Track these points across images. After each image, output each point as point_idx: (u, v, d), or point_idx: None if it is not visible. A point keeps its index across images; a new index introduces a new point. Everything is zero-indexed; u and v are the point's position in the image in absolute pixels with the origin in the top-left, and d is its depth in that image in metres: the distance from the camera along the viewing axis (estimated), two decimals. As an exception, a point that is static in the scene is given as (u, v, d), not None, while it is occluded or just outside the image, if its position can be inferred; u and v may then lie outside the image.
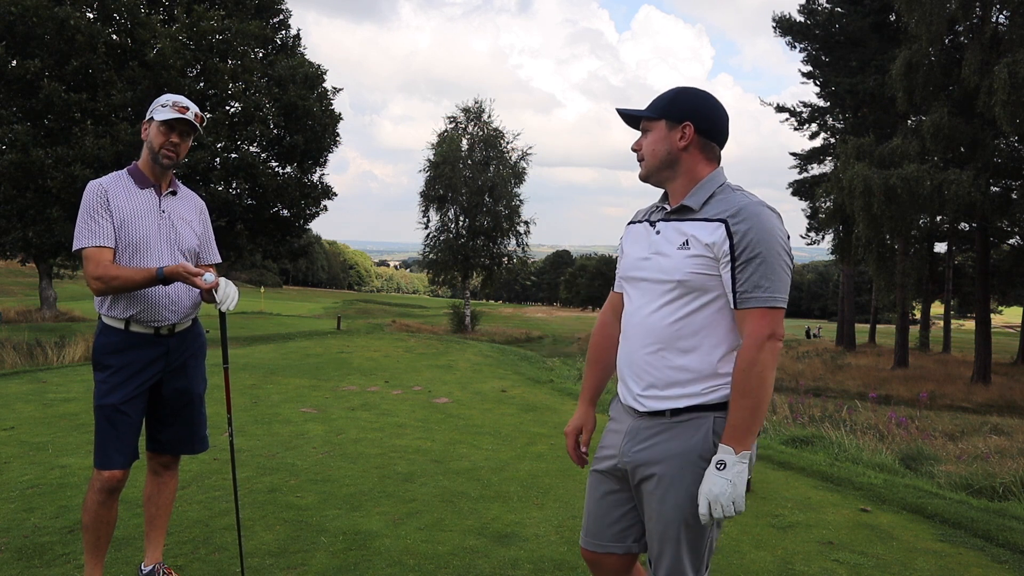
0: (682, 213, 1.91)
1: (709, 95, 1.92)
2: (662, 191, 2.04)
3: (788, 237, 1.85)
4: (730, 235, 1.79)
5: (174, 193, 2.87)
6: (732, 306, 1.83)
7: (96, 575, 2.79)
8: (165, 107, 2.73)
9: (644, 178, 2.00)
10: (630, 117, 2.02)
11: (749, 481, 4.76)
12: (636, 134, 2.04)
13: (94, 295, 2.70)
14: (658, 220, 1.97)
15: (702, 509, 1.78)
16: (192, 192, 3.01)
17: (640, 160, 1.99)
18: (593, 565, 2.13)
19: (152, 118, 2.74)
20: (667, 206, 1.98)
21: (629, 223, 2.13)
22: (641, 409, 1.93)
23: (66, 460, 4.85)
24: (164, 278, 2.61)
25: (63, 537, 3.49)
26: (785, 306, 1.81)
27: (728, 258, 1.79)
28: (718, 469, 1.76)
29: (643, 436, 1.93)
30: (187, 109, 2.74)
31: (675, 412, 1.87)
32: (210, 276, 2.65)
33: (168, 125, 2.72)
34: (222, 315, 2.82)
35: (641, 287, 1.96)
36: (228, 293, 2.71)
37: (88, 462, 4.70)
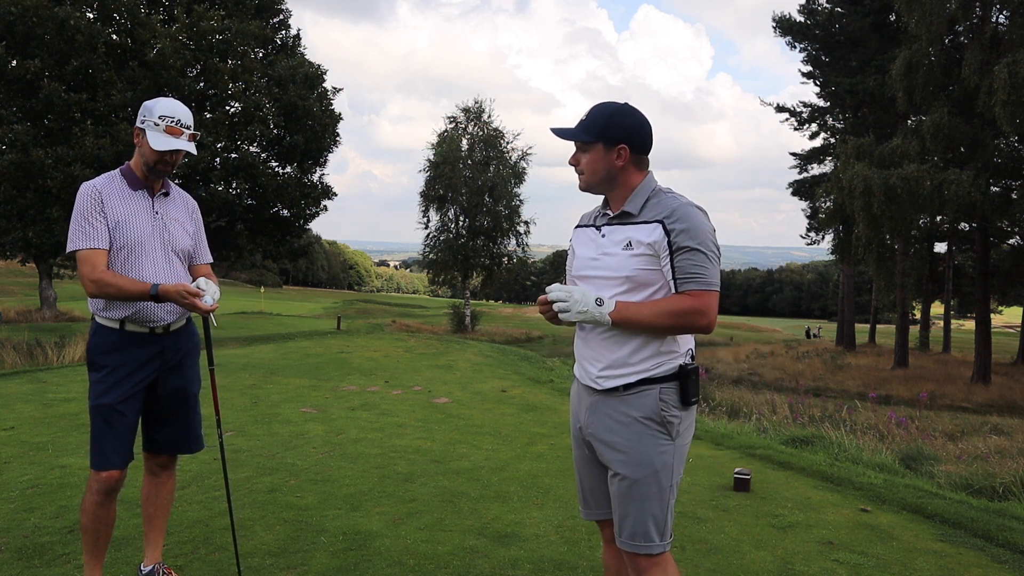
0: (623, 218, 2.16)
1: (638, 113, 2.16)
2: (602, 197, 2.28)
3: (714, 231, 2.10)
4: (667, 232, 2.05)
5: (166, 194, 2.87)
6: (673, 291, 2.07)
7: (96, 575, 2.79)
8: (158, 126, 2.67)
9: (585, 190, 2.23)
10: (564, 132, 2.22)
11: (749, 481, 4.78)
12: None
13: (87, 295, 2.71)
14: (603, 224, 2.22)
15: (561, 294, 2.06)
16: (183, 192, 3.00)
17: (579, 174, 2.21)
18: (602, 532, 2.40)
19: (144, 131, 2.70)
20: (609, 212, 2.22)
21: (576, 226, 2.37)
22: (598, 388, 2.18)
23: (66, 460, 4.85)
24: (156, 296, 2.60)
25: (63, 537, 3.49)
26: (718, 289, 2.07)
27: (667, 252, 2.05)
28: (596, 302, 2.05)
29: (601, 410, 2.18)
30: (181, 133, 2.70)
31: (627, 387, 2.13)
32: (209, 299, 2.66)
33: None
34: (205, 319, 2.83)
35: (594, 283, 2.18)
36: (211, 290, 2.71)
37: (88, 462, 4.70)
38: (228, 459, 4.81)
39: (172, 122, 2.69)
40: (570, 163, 2.22)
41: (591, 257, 2.20)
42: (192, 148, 2.74)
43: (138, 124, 2.75)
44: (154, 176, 2.77)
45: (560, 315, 2.07)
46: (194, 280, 2.81)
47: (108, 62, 19.54)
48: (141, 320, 2.73)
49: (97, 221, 2.66)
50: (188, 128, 2.73)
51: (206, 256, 3.01)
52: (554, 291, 2.08)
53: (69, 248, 2.67)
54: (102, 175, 2.79)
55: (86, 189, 2.69)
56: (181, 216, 2.89)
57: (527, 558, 3.44)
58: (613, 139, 2.12)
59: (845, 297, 38.63)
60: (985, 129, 23.19)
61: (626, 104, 2.16)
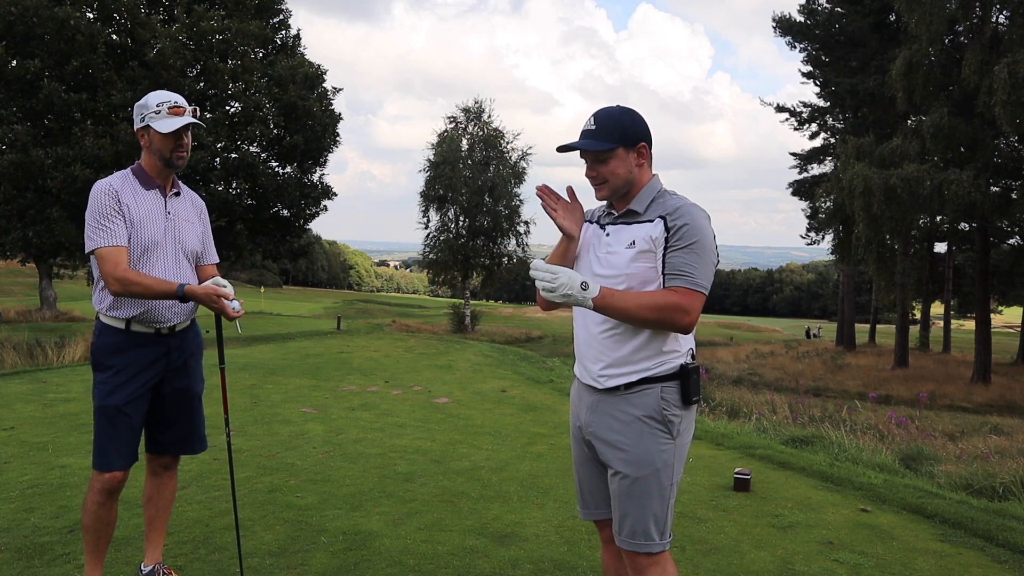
0: (629, 217, 2.17)
1: (637, 112, 2.17)
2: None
3: (714, 236, 2.10)
4: (667, 228, 2.07)
5: (177, 194, 2.86)
6: (662, 286, 2.06)
7: (96, 575, 2.79)
8: (160, 113, 2.67)
9: (606, 199, 2.21)
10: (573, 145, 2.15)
11: (749, 481, 4.78)
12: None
13: (107, 293, 2.67)
14: (607, 223, 2.22)
15: (547, 275, 2.01)
16: (192, 192, 3.00)
17: (600, 183, 2.16)
18: (600, 532, 2.41)
19: (149, 126, 2.69)
20: (614, 211, 2.22)
21: None
22: (599, 387, 2.18)
23: (66, 460, 4.85)
24: (183, 296, 2.60)
25: (63, 537, 3.49)
26: (706, 292, 2.05)
27: (663, 247, 2.07)
28: (581, 286, 2.00)
29: (602, 409, 2.19)
30: (183, 109, 2.70)
31: (628, 386, 2.13)
32: (236, 304, 2.67)
33: (176, 132, 2.69)
34: (218, 316, 2.82)
35: (595, 280, 2.15)
36: (231, 291, 2.74)
37: (88, 462, 4.70)
38: (228, 459, 4.81)
39: (171, 104, 2.69)
40: (588, 176, 2.19)
41: (595, 256, 2.22)
42: (199, 121, 2.74)
43: (138, 125, 2.73)
44: (171, 169, 2.76)
45: (543, 294, 2.05)
46: (201, 282, 2.81)
47: (108, 62, 19.55)
48: (148, 321, 2.72)
49: (116, 218, 2.63)
50: (187, 107, 2.73)
51: (213, 257, 3.00)
52: (540, 270, 2.04)
53: (88, 247, 2.63)
54: (114, 174, 2.76)
55: (102, 187, 2.66)
56: (191, 217, 2.89)
57: (527, 558, 3.44)
58: (632, 140, 2.13)
59: (845, 297, 38.61)
60: (985, 129, 23.19)
61: (622, 105, 2.19)
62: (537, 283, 2.04)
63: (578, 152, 2.18)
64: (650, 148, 2.18)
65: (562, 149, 2.16)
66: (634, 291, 2.07)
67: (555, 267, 2.05)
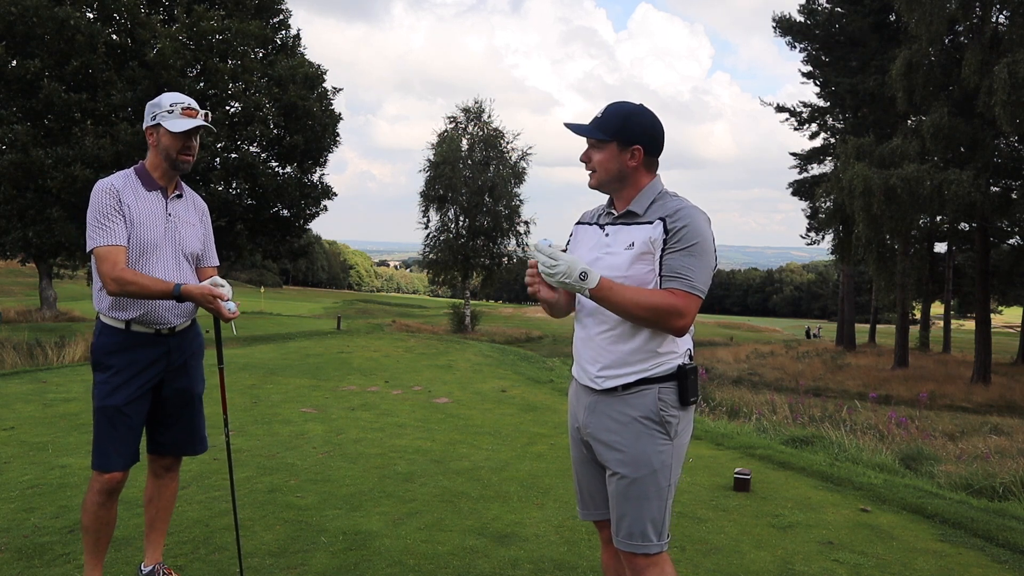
0: (628, 218, 2.17)
1: (653, 115, 2.16)
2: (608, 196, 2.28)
3: (714, 239, 2.10)
4: (667, 230, 2.06)
5: (179, 196, 2.86)
6: (659, 287, 2.06)
7: (96, 575, 2.79)
8: (172, 113, 2.68)
9: (595, 187, 2.22)
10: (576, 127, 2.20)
11: (749, 481, 4.77)
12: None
13: (106, 294, 2.67)
14: (607, 224, 2.22)
15: (548, 260, 2.02)
16: (195, 194, 2.99)
17: (591, 171, 2.20)
18: (600, 532, 2.41)
19: (159, 125, 2.69)
20: (614, 211, 2.22)
21: (578, 223, 2.37)
22: (597, 388, 2.18)
23: (66, 460, 4.85)
24: (179, 296, 2.60)
25: (63, 537, 3.49)
26: (702, 296, 2.05)
27: (661, 249, 2.05)
28: (580, 276, 2.01)
29: (599, 410, 2.19)
30: (197, 112, 2.71)
31: (626, 387, 2.13)
32: (232, 305, 2.67)
33: (185, 134, 2.69)
34: (216, 317, 2.82)
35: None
36: (228, 291, 2.74)
37: (88, 462, 4.70)
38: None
39: (184, 106, 2.69)
40: (581, 160, 2.20)
41: (593, 256, 2.21)
42: (210, 124, 2.76)
43: (149, 123, 2.72)
44: (176, 171, 2.76)
45: (543, 275, 2.06)
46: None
47: (108, 62, 19.55)
48: (148, 322, 2.71)
49: (116, 217, 2.63)
50: (204, 113, 2.74)
51: (213, 259, 3.00)
52: (542, 252, 2.04)
53: (88, 246, 2.63)
54: (116, 173, 2.75)
55: (103, 186, 2.67)
56: (192, 218, 2.89)
57: (527, 558, 3.44)
58: (628, 139, 2.12)
59: (845, 297, 38.62)
60: (985, 129, 23.19)
61: (641, 105, 2.16)
62: (539, 266, 2.05)
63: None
64: (650, 154, 2.15)
65: (568, 126, 2.19)
66: (633, 287, 2.06)
67: (556, 252, 2.05)
